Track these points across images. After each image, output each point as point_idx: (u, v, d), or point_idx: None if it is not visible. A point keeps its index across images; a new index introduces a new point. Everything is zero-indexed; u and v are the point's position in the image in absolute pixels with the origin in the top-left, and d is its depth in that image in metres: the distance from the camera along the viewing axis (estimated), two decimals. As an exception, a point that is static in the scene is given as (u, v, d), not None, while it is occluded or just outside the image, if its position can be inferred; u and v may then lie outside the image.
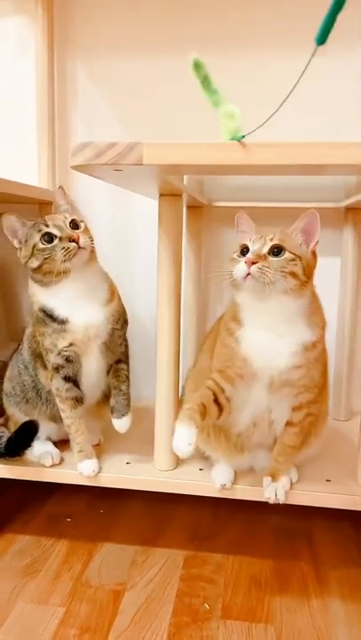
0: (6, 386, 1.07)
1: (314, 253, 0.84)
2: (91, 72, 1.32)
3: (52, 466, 1.00)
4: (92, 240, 0.93)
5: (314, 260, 0.84)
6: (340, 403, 1.29)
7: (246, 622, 0.85)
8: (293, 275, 0.79)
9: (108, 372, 1.01)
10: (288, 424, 0.90)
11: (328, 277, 1.30)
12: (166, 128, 1.29)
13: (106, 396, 1.04)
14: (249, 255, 0.80)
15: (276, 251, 0.80)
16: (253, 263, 0.78)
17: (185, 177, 1.01)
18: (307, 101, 1.20)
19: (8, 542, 1.06)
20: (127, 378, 1.02)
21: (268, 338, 0.83)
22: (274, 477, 0.92)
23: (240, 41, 1.25)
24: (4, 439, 0.99)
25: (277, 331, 0.83)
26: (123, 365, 1.02)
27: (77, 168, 0.76)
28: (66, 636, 0.82)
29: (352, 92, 1.22)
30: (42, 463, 1.01)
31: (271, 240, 0.81)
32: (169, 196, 0.93)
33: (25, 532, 1.10)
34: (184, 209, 1.27)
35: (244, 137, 0.70)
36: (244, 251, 0.82)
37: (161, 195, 0.93)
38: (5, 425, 1.08)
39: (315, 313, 0.86)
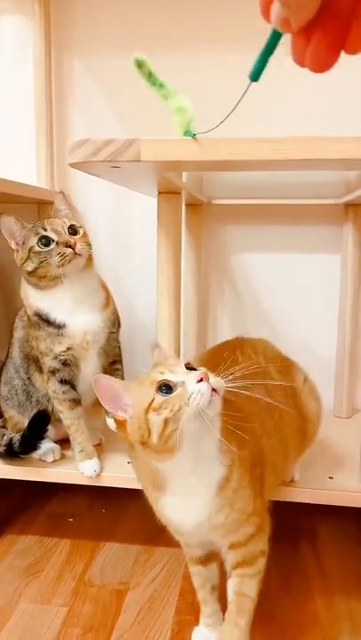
0: (2, 389, 1.07)
1: None
2: (88, 70, 1.31)
3: (54, 461, 1.01)
4: (90, 246, 0.93)
5: None
6: (342, 400, 1.28)
7: (250, 620, 0.85)
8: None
9: (103, 374, 1.01)
10: (240, 566, 0.74)
11: (329, 274, 1.30)
12: (165, 125, 1.29)
13: None
14: (201, 370, 0.63)
15: (192, 368, 0.66)
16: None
17: (184, 174, 1.00)
18: (307, 97, 1.20)
19: (11, 542, 1.06)
20: (122, 379, 1.02)
21: (191, 491, 0.68)
22: None
23: (237, 39, 1.24)
24: (16, 438, 0.99)
25: (198, 477, 0.67)
26: (118, 366, 1.03)
27: (75, 165, 0.75)
28: (69, 636, 0.82)
29: (351, 87, 1.22)
30: (44, 460, 1.01)
31: (179, 361, 0.68)
32: (168, 193, 0.93)
33: (27, 531, 1.10)
34: (183, 207, 1.27)
35: (195, 135, 0.69)
36: (165, 388, 0.63)
37: (160, 192, 0.93)
38: (5, 428, 1.08)
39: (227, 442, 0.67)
